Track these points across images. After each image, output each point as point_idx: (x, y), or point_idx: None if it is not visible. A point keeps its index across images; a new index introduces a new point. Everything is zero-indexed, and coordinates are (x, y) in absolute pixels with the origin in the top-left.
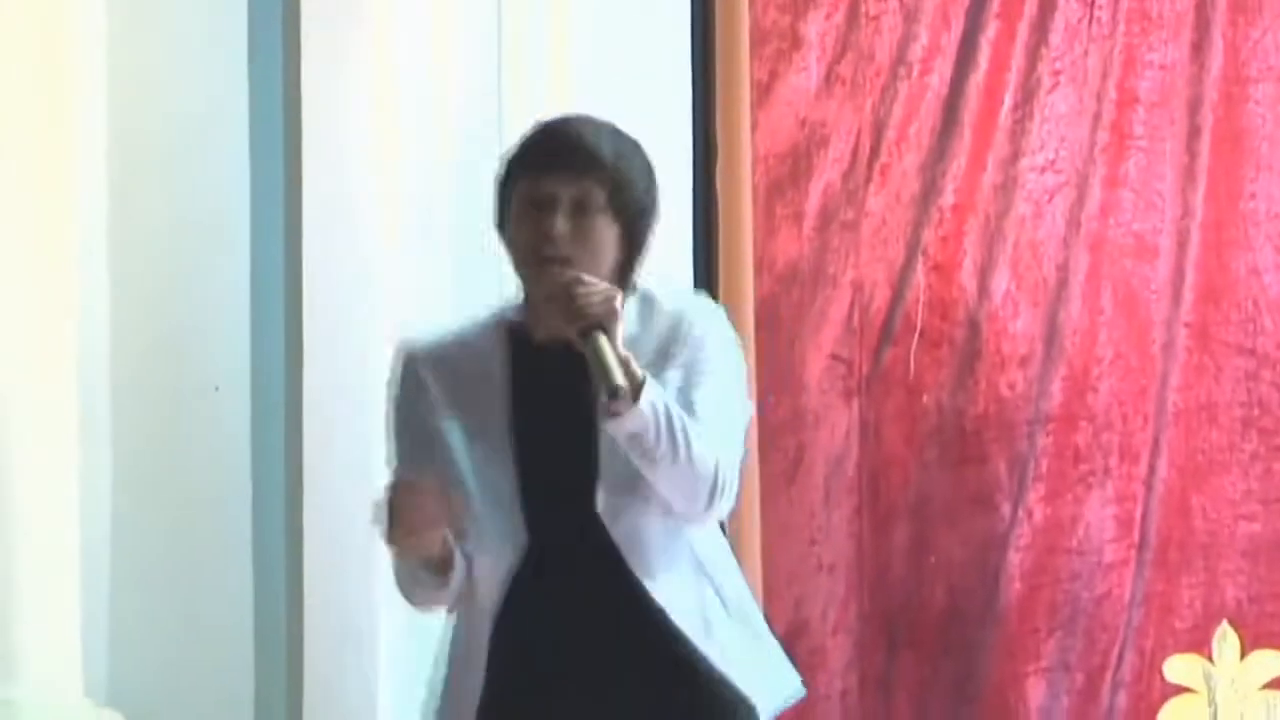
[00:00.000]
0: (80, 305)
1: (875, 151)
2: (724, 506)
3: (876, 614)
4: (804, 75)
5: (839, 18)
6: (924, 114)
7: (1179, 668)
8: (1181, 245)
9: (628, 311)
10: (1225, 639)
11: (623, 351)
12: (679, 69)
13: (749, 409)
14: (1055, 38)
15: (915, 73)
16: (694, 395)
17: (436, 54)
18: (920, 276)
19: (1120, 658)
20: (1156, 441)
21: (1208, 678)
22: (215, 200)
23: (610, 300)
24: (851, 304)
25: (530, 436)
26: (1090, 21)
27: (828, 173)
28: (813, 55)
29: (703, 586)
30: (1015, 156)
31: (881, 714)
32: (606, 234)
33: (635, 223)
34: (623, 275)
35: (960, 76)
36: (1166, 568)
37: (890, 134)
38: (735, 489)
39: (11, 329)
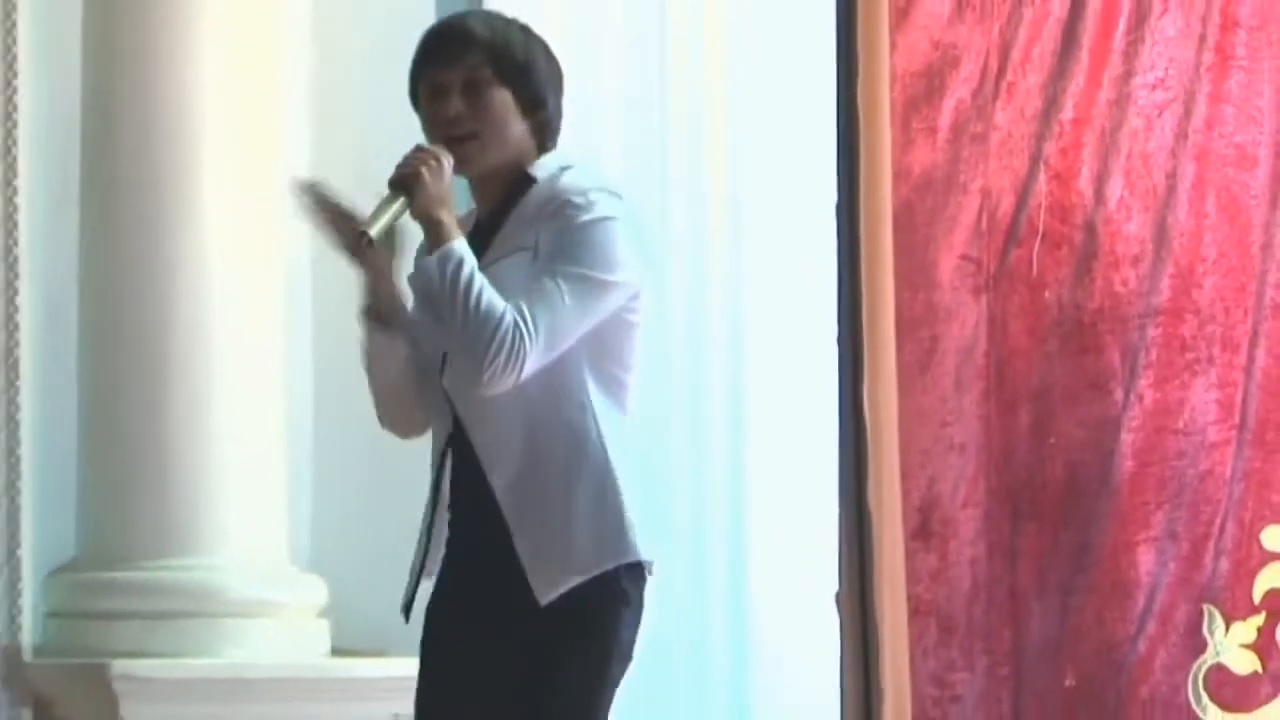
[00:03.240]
0: (282, 197)
1: (1002, 71)
2: (507, 379)
3: (1002, 489)
4: (938, 1)
5: None
6: (1045, 37)
7: (1275, 536)
8: (1278, 155)
9: (544, 176)
10: None
11: (441, 214)
12: None
13: (608, 280)
14: None
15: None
16: (533, 277)
17: None
18: (1042, 184)
19: (1222, 528)
20: (1255, 332)
21: None
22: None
23: (418, 166)
24: (980, 209)
25: None
26: None
27: (959, 90)
28: None
29: (526, 461)
30: (1128, 75)
31: (1007, 579)
32: (500, 100)
33: (522, 81)
34: (541, 132)
35: (1079, 2)
36: (1264, 446)
37: (1015, 55)
38: (522, 365)
39: (220, 226)
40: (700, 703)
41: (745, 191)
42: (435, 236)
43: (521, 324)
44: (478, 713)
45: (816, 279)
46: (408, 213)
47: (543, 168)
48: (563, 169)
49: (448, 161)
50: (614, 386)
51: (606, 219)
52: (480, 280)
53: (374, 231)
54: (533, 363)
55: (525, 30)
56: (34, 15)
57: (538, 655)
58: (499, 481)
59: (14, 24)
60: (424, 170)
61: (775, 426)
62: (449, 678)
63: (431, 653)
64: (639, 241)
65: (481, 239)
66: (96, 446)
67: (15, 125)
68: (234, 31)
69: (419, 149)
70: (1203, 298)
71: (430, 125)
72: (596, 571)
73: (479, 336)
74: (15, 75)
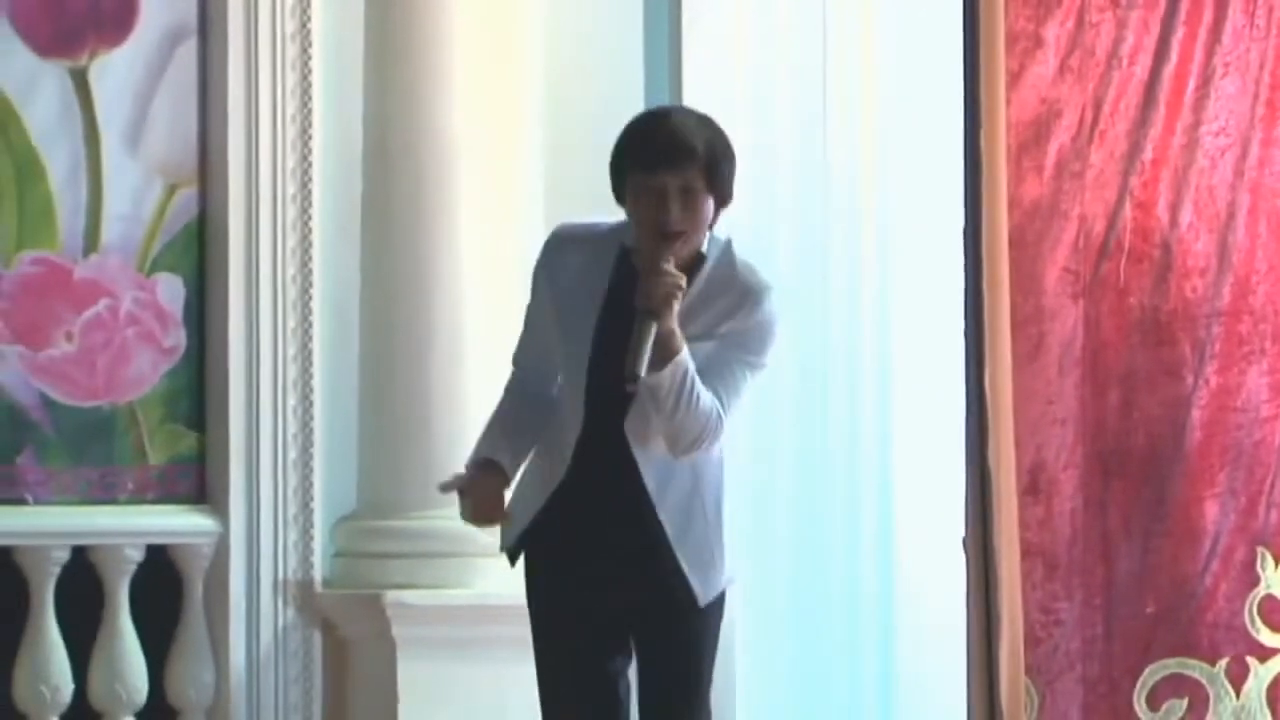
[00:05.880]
0: (522, 213)
1: (1095, 121)
2: (695, 455)
3: (1095, 454)
4: (1044, 66)
5: (1070, 24)
6: (1130, 94)
7: None
8: None
9: (712, 249)
10: None
11: (675, 327)
12: (953, 62)
13: (766, 366)
14: (1226, 38)
15: (1124, 64)
16: (725, 365)
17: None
18: (1128, 211)
19: (1272, 485)
20: None
21: None
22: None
23: (670, 294)
24: (1078, 231)
25: (606, 338)
26: (1251, 27)
27: (1061, 137)
28: (1050, 52)
29: (691, 496)
30: (1197, 124)
31: (1099, 526)
32: (706, 205)
33: (723, 190)
34: (717, 218)
35: (1157, 67)
36: None
37: (1106, 108)
38: (714, 444)
39: (471, 238)
40: (854, 627)
41: (892, 218)
42: (670, 348)
43: (722, 416)
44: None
45: (948, 287)
46: (647, 330)
47: (707, 243)
48: (728, 243)
49: (683, 289)
50: None
51: (777, 315)
52: (699, 385)
53: (642, 370)
54: (721, 440)
55: (724, 135)
56: (325, 79)
57: (691, 643)
58: (666, 506)
59: (310, 85)
60: (672, 303)
61: (916, 403)
62: (598, 617)
63: (570, 599)
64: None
65: None
66: (373, 421)
67: (311, 165)
68: (481, 83)
69: (666, 274)
70: (1256, 302)
71: (647, 222)
72: (736, 579)
73: (693, 428)
74: (311, 125)
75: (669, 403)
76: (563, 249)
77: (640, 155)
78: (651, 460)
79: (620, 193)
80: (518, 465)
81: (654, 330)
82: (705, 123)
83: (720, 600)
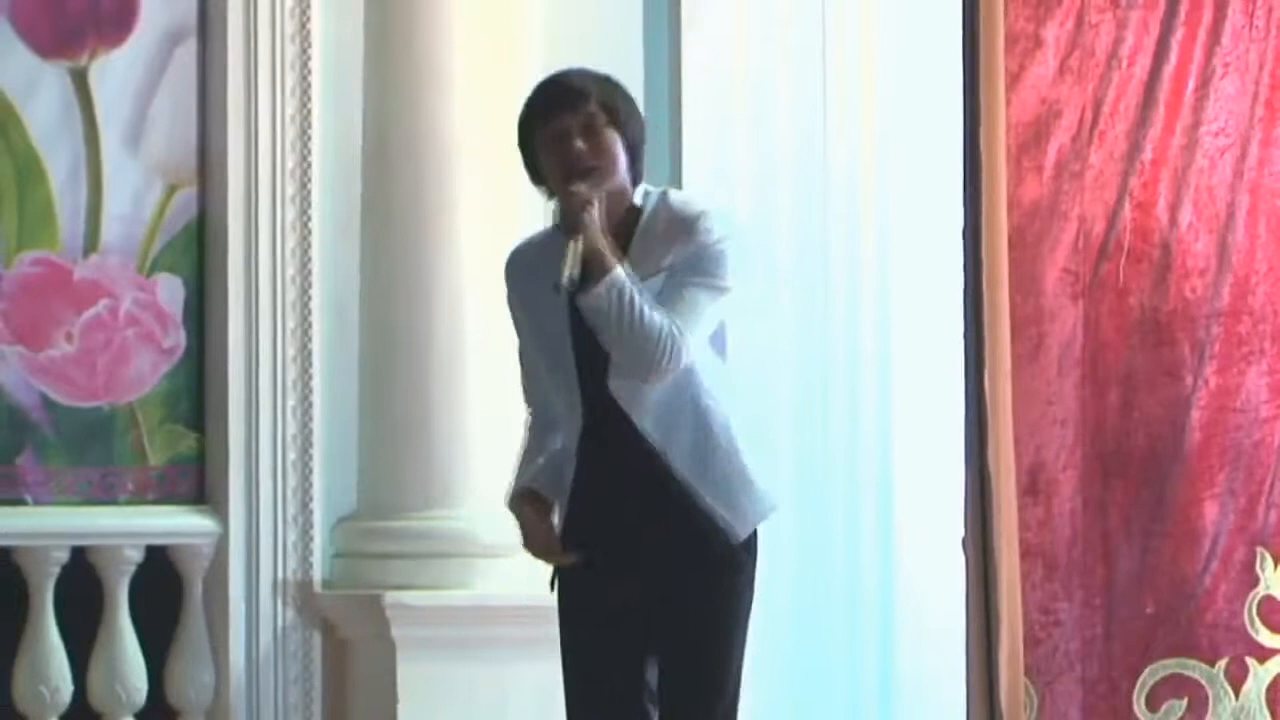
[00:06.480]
0: (522, 213)
1: (1095, 122)
2: (666, 376)
3: (1095, 455)
4: (1044, 67)
5: (1069, 24)
6: (1130, 94)
7: None
8: None
9: (648, 201)
10: None
11: (602, 245)
12: (953, 62)
13: (728, 287)
14: (1225, 39)
15: (1124, 65)
16: (678, 288)
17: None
18: (1127, 211)
19: (1272, 486)
20: None
21: None
22: None
23: (581, 207)
24: (1078, 231)
25: (581, 327)
26: (1250, 28)
27: (1060, 137)
28: (1050, 52)
29: (698, 433)
30: (1196, 125)
31: (1099, 527)
32: (611, 138)
33: (628, 128)
34: (635, 168)
35: (1157, 67)
36: None
37: (1106, 109)
38: (679, 364)
39: (471, 239)
40: (854, 627)
41: (892, 218)
42: (600, 264)
43: (676, 331)
44: (669, 645)
45: (948, 287)
46: (569, 247)
47: (641, 196)
48: (662, 192)
49: (599, 200)
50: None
51: (726, 238)
52: (640, 299)
53: (565, 278)
54: (685, 359)
55: (619, 83)
56: (325, 79)
57: (724, 586)
58: (676, 453)
59: (309, 86)
60: (585, 215)
61: (915, 403)
62: (630, 623)
63: (599, 605)
64: (742, 247)
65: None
66: (373, 422)
67: (310, 166)
68: (481, 83)
69: (573, 193)
70: (1256, 302)
71: (556, 163)
72: (773, 513)
73: (644, 346)
74: (310, 125)
75: (613, 322)
76: (519, 266)
77: (536, 111)
78: (649, 414)
79: (536, 173)
80: (554, 487)
81: (575, 243)
82: (598, 73)
83: (752, 563)
